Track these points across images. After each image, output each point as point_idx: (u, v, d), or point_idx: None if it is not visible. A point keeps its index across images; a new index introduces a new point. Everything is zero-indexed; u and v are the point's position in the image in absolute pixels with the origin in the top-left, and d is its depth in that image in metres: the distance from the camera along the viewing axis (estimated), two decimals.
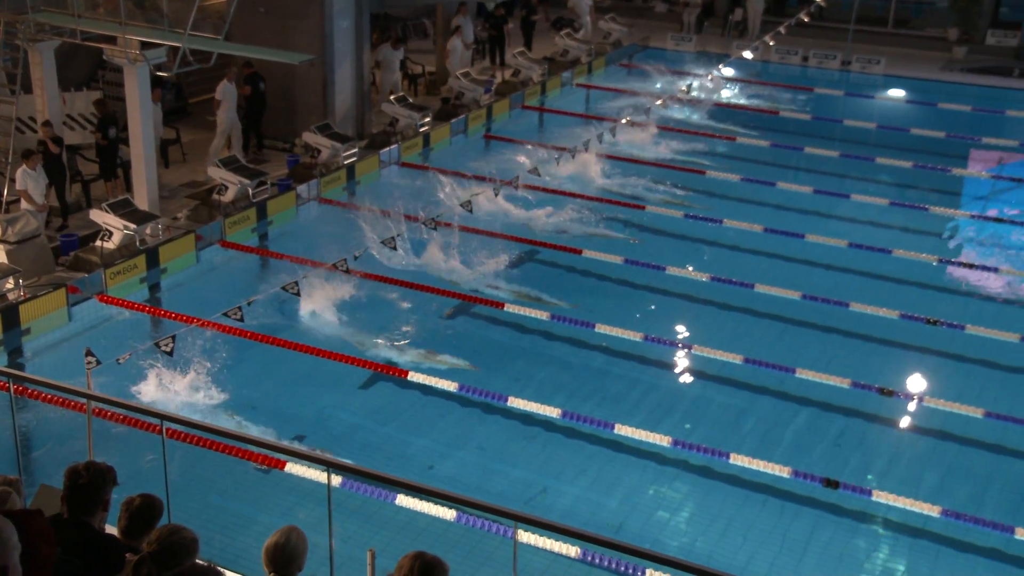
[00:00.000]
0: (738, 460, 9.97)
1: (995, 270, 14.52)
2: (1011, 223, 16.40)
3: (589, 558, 8.44)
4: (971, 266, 14.71)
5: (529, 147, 18.80)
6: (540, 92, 22.49)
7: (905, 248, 14.91)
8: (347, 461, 8.31)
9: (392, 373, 11.38)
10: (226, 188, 15.25)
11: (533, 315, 12.81)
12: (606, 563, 8.39)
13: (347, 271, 12.16)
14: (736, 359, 11.89)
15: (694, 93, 22.74)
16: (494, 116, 20.85)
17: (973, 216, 16.84)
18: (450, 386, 11.14)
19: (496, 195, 15.63)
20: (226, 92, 16.80)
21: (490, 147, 19.25)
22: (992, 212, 16.94)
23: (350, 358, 11.56)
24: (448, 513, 8.90)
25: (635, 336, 12.35)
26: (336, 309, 12.75)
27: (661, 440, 10.28)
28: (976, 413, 10.81)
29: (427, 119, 19.22)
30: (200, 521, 8.38)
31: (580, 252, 14.66)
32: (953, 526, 9.19)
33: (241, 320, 10.82)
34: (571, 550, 8.41)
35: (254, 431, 10.04)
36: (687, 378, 11.76)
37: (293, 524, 4.92)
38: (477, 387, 11.11)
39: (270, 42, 16.74)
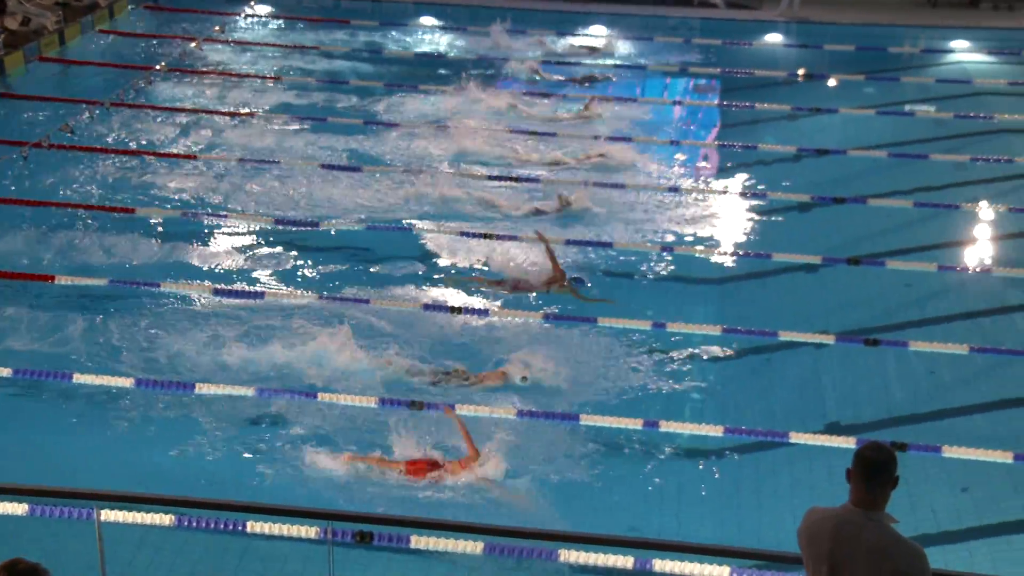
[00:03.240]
0: (326, 398, 10.04)
1: (531, 180, 15.57)
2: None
3: (186, 523, 8.09)
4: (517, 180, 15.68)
5: (55, 103, 17.35)
6: (59, 42, 20.67)
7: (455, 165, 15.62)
8: None
9: None
10: None
11: (89, 283, 11.96)
12: (203, 524, 8.10)
13: None
14: (312, 299, 11.89)
15: (230, 35, 22.12)
16: (8, 72, 18.89)
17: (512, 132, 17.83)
18: (3, 371, 10.17)
19: (25, 159, 14.28)
20: None
21: (8, 107, 17.45)
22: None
23: None
24: (18, 508, 8.12)
25: (191, 289, 11.99)
26: None
27: (241, 390, 10.10)
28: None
29: None
30: None
31: (133, 211, 13.83)
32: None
33: None
34: (165, 519, 8.01)
35: None
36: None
37: None
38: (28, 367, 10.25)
39: None
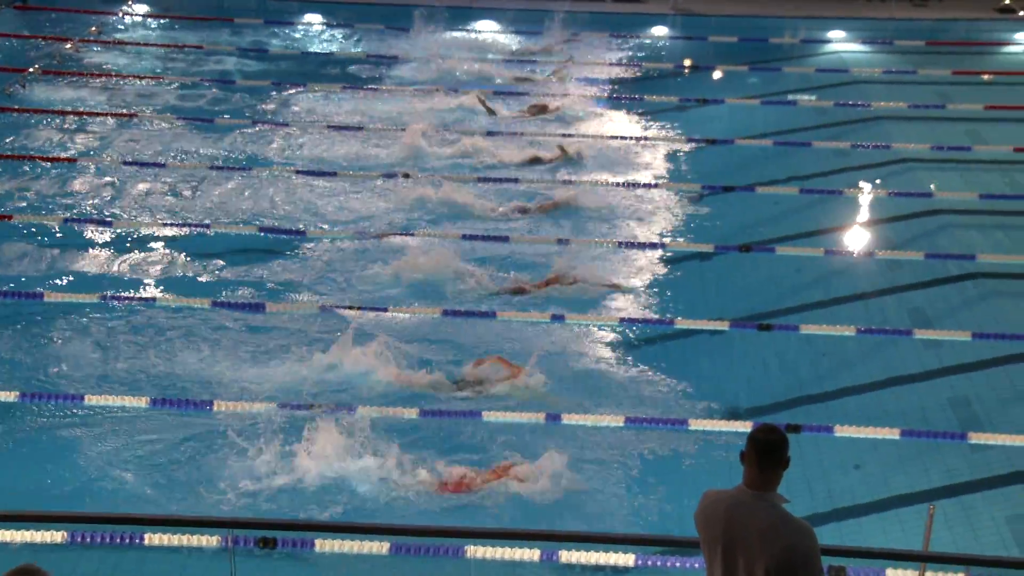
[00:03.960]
0: (222, 407, 9.85)
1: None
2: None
3: (79, 539, 7.84)
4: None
5: None
6: None
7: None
8: None
9: None
10: None
11: None
12: (98, 540, 7.86)
13: None
14: (205, 303, 11.64)
15: (108, 35, 21.47)
16: None
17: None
18: None
19: None
20: None
21: None
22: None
23: None
24: None
25: (75, 298, 11.64)
26: None
27: (132, 401, 9.83)
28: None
29: None
30: None
31: (11, 219, 13.34)
32: None
33: None
34: (56, 536, 7.75)
35: None
36: None
37: None
38: None
39: None
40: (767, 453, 5.07)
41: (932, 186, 15.17)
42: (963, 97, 18.63)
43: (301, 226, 13.60)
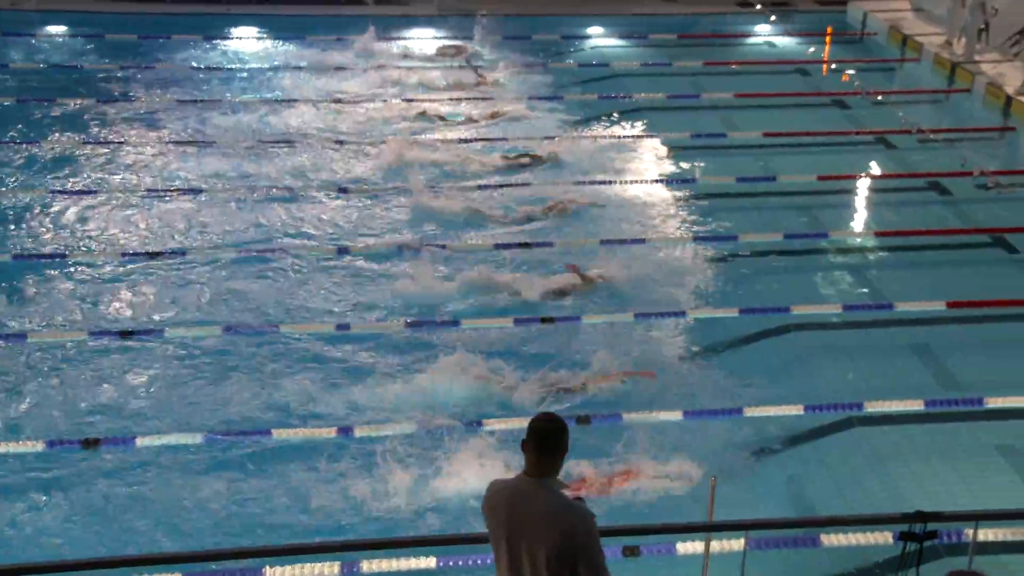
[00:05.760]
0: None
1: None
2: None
3: None
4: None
5: None
6: None
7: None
8: None
9: None
10: None
11: None
12: None
13: None
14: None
15: None
16: None
17: None
18: None
19: None
20: None
21: None
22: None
23: None
24: None
25: None
26: None
27: None
28: None
29: None
30: None
31: None
32: None
33: None
34: None
35: None
36: None
37: None
38: None
39: None
40: (546, 440, 5.19)
41: (694, 172, 15.87)
42: (715, 86, 19.62)
43: (62, 247, 12.92)
